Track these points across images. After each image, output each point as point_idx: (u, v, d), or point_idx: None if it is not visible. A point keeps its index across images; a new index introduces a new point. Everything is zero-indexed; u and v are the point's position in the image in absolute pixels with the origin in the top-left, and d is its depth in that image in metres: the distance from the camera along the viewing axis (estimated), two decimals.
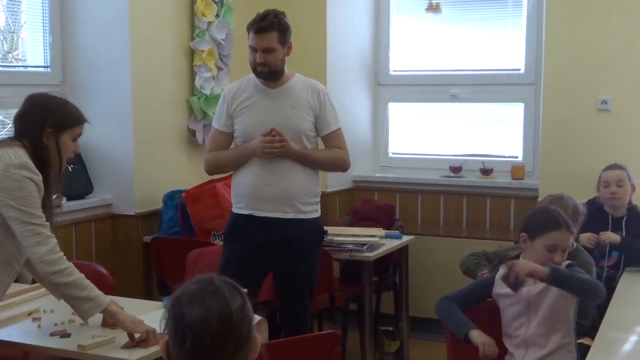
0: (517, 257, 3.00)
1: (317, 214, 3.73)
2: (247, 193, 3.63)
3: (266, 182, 3.58)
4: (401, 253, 4.71)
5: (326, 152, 3.75)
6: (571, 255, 3.37)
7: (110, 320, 2.70)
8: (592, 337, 3.35)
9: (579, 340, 3.26)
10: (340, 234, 4.52)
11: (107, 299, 2.68)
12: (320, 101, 3.68)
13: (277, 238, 3.59)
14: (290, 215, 3.60)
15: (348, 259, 4.29)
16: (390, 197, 5.72)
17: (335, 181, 5.63)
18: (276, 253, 3.62)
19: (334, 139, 3.72)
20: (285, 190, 3.58)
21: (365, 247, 4.26)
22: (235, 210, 3.71)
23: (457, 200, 5.61)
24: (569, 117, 5.02)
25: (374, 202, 5.18)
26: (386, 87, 6.03)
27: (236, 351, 1.60)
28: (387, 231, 4.66)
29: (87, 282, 2.67)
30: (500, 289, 2.97)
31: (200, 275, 1.68)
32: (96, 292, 2.66)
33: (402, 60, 6.00)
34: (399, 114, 6.08)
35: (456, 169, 5.68)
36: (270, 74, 3.58)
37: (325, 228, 4.59)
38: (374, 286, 4.62)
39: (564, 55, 5.01)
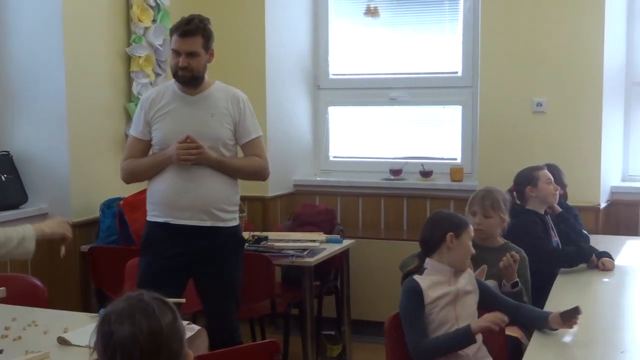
0: (418, 268, 3.08)
1: (236, 222, 3.67)
2: (163, 201, 3.55)
3: (182, 190, 3.51)
4: (342, 257, 4.72)
5: (244, 160, 3.69)
6: (503, 250, 3.48)
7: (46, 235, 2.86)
8: (520, 328, 3.43)
9: (508, 332, 3.30)
10: (281, 239, 4.51)
11: (28, 227, 2.79)
12: (240, 109, 3.63)
13: (195, 247, 3.52)
14: (208, 223, 3.53)
15: (289, 264, 4.28)
16: (331, 200, 5.73)
17: (276, 186, 5.62)
18: (195, 262, 3.55)
19: (253, 147, 3.67)
20: (202, 197, 3.51)
21: (305, 253, 4.26)
22: (150, 218, 3.62)
23: (398, 203, 5.65)
24: (505, 119, 5.10)
25: (314, 207, 5.18)
26: (326, 90, 6.04)
27: None
28: (328, 236, 4.66)
29: (6, 231, 2.75)
30: (430, 299, 3.01)
31: (130, 292, 1.65)
32: (19, 231, 2.75)
33: (341, 64, 6.02)
34: (339, 117, 6.09)
35: (396, 172, 5.72)
36: (191, 79, 3.52)
37: (266, 233, 4.62)
38: (315, 291, 4.62)
39: (499, 58, 5.09)
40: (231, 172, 3.62)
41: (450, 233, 3.03)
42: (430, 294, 2.99)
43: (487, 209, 3.54)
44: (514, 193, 4.10)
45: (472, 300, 3.04)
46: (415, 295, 3.00)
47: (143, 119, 3.62)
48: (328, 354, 4.66)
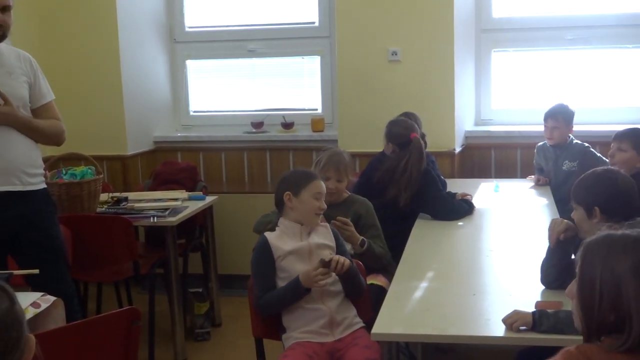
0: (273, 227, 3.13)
1: (44, 185, 3.47)
2: None
3: None
4: (206, 214, 4.68)
5: (48, 122, 3.45)
6: (349, 203, 3.59)
7: None
8: (385, 276, 3.53)
9: (371, 281, 3.41)
10: (141, 199, 4.41)
11: None
12: (33, 70, 3.41)
13: (11, 215, 3.30)
14: (19, 188, 3.32)
15: (151, 225, 4.20)
16: (193, 156, 5.65)
17: (135, 143, 5.48)
18: (13, 232, 3.33)
19: (50, 110, 3.47)
20: (10, 161, 3.28)
21: (167, 212, 4.18)
22: None
23: (261, 156, 5.64)
24: (362, 69, 5.16)
25: (176, 164, 5.08)
26: (183, 44, 5.90)
27: (4, 357, 1.47)
28: (190, 193, 4.60)
29: None
30: (279, 251, 3.05)
31: None
32: None
33: (197, 16, 5.88)
34: (198, 71, 5.98)
35: (258, 125, 5.69)
36: (2, 37, 3.25)
37: (126, 194, 4.50)
38: (181, 249, 4.57)
39: (354, 7, 5.11)
40: (36, 134, 3.38)
41: (288, 193, 3.07)
42: (280, 247, 3.04)
43: (341, 174, 3.58)
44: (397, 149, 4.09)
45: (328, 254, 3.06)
46: (262, 250, 3.05)
47: None
48: (196, 311, 4.63)
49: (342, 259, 2.93)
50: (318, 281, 2.89)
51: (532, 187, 4.74)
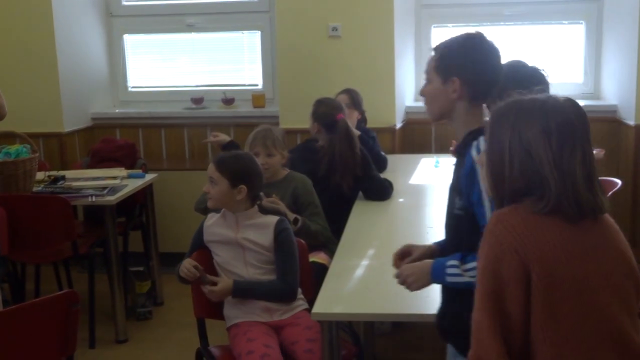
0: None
1: None
2: None
3: None
4: (146, 192, 4.62)
5: None
6: (288, 180, 3.61)
7: None
8: (326, 253, 3.54)
9: (312, 259, 3.41)
10: (79, 177, 4.34)
11: None
12: None
13: None
14: None
15: (89, 204, 4.13)
16: (132, 133, 5.57)
17: (72, 120, 5.37)
18: None
19: None
20: None
21: (106, 191, 4.12)
22: None
23: (201, 132, 5.58)
24: (302, 44, 5.13)
25: (114, 142, 5.00)
26: (120, 18, 5.78)
27: None
28: (129, 171, 4.54)
29: None
30: (210, 236, 3.04)
31: None
32: None
33: None
34: (136, 46, 5.87)
35: (198, 100, 5.63)
36: None
37: (63, 172, 4.42)
38: (120, 228, 4.52)
39: None
40: None
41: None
42: (211, 231, 3.05)
43: (269, 148, 3.55)
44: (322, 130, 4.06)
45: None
46: (197, 231, 3.09)
47: None
48: (137, 290, 4.58)
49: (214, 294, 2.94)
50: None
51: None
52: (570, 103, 1.79)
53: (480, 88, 2.20)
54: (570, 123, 1.75)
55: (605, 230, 1.81)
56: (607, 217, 1.83)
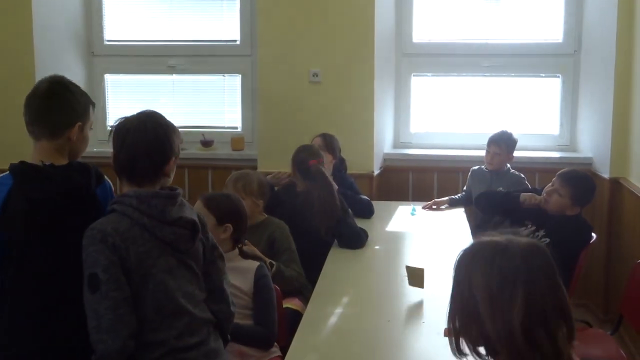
0: None
1: None
2: None
3: None
4: None
5: None
6: (264, 225, 3.61)
7: None
8: (301, 300, 3.52)
9: (286, 305, 3.40)
10: None
11: None
12: None
13: None
14: None
15: None
16: (108, 172, 5.51)
17: None
18: None
19: None
20: None
21: None
22: None
23: (179, 173, 5.49)
24: (283, 89, 5.16)
25: None
26: (101, 57, 5.79)
27: None
28: None
29: None
30: None
31: None
32: None
33: (117, 29, 5.78)
34: (118, 85, 5.87)
35: None
36: None
37: None
38: None
39: (276, 27, 5.12)
40: None
41: None
42: None
43: (240, 192, 3.52)
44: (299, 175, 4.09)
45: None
46: None
47: None
48: None
49: None
50: None
51: (447, 211, 4.81)
52: (530, 248, 1.72)
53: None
54: (515, 268, 1.67)
55: None
56: None
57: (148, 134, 2.30)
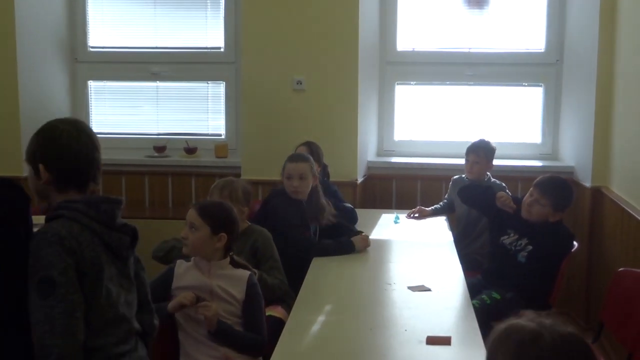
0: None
1: None
2: None
3: None
4: None
5: None
6: (248, 233, 3.58)
7: None
8: (283, 307, 3.52)
9: (269, 313, 3.39)
10: (37, 223, 4.26)
11: None
12: None
13: None
14: None
15: None
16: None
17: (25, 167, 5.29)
18: None
19: None
20: None
21: None
22: None
23: (162, 181, 5.55)
24: (267, 96, 5.17)
25: None
26: (85, 64, 5.77)
27: None
28: None
29: None
30: (181, 282, 3.02)
31: None
32: None
33: (101, 36, 5.77)
34: (101, 92, 5.85)
35: (160, 149, 5.61)
36: None
37: None
38: None
39: (260, 35, 5.12)
40: None
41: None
42: (182, 278, 3.03)
43: (225, 199, 3.49)
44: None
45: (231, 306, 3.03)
46: (164, 274, 3.06)
47: None
48: None
49: (209, 308, 2.88)
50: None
51: (430, 219, 4.82)
52: (566, 339, 1.54)
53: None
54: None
55: None
56: None
57: (83, 139, 2.29)
